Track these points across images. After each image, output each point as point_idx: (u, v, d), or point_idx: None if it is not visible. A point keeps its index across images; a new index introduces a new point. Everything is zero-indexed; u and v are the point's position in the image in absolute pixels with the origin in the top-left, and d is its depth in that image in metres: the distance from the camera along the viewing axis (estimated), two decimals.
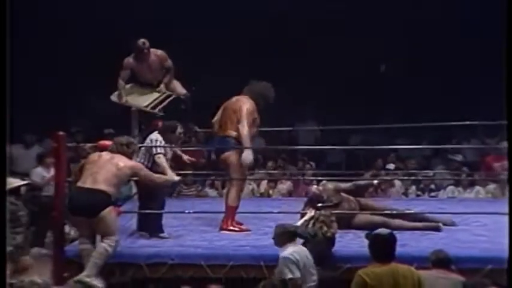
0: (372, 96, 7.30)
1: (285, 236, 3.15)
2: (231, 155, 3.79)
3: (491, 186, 5.49)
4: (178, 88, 4.55)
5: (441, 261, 2.95)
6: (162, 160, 3.72)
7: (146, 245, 3.59)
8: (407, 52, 7.49)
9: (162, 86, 4.49)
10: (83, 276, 3.30)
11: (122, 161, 3.42)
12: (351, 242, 3.55)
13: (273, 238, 3.19)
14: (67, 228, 3.82)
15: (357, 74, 7.49)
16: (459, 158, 6.02)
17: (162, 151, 3.75)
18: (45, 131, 6.02)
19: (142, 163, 3.74)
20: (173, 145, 3.89)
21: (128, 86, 4.54)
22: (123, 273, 3.43)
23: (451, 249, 3.12)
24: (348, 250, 3.38)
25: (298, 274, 3.00)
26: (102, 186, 3.36)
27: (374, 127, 5.53)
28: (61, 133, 3.64)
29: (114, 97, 4.51)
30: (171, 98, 4.45)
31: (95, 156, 3.50)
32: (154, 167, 3.74)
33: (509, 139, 3.08)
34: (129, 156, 3.49)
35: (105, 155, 3.48)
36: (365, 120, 5.73)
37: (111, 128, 5.50)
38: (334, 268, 3.26)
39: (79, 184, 3.42)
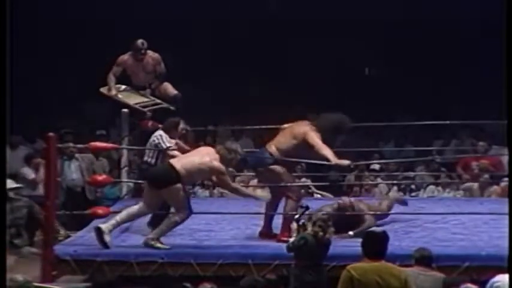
0: (356, 97, 7.42)
1: None
2: (271, 169, 3.69)
3: (472, 186, 5.66)
4: (169, 89, 4.63)
5: (424, 258, 3.07)
6: (176, 152, 3.84)
7: (137, 244, 3.66)
8: (391, 53, 7.62)
9: (148, 90, 4.58)
10: (148, 239, 3.55)
11: (209, 159, 3.56)
12: (337, 241, 3.63)
13: None
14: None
15: (342, 75, 7.61)
16: (439, 159, 6.21)
17: (172, 146, 3.85)
18: (33, 132, 6.02)
19: (147, 161, 3.87)
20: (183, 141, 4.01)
21: (122, 87, 4.60)
22: (113, 270, 3.49)
23: (431, 248, 3.23)
24: (334, 249, 3.46)
25: None
26: (178, 166, 3.53)
27: (358, 126, 5.64)
28: (51, 134, 3.69)
29: (104, 89, 4.57)
30: (159, 106, 4.51)
31: (201, 148, 3.68)
32: (158, 163, 3.86)
33: (509, 139, 3.16)
34: (226, 161, 3.58)
35: (206, 149, 3.66)
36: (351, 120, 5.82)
37: (102, 129, 5.54)
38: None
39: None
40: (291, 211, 3.73)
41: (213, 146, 3.79)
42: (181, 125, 3.97)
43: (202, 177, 3.64)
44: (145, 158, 3.95)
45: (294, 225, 3.43)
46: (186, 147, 4.11)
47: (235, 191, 3.68)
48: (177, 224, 3.57)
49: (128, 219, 3.58)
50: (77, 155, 5.09)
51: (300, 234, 3.30)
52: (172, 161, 3.60)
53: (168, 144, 3.85)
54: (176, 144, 3.96)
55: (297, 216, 3.48)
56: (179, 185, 3.50)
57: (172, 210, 3.61)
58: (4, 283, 2.44)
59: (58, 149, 3.77)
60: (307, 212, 3.45)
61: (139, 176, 4.16)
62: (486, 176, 5.57)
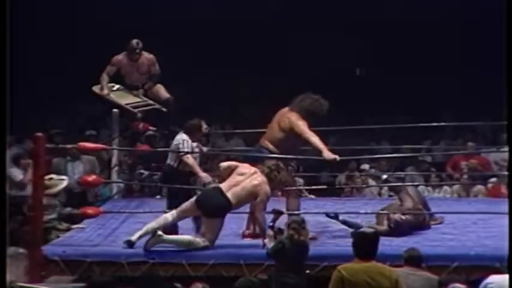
0: (356, 97, 7.43)
1: None
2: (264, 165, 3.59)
3: (457, 186, 5.73)
4: (162, 92, 4.62)
5: (413, 259, 3.10)
6: (190, 160, 3.80)
7: None
8: (383, 53, 7.63)
9: (141, 91, 4.55)
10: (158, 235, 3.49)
11: (259, 182, 3.48)
12: (327, 242, 3.69)
13: None
14: None
15: (334, 76, 7.63)
16: (429, 159, 6.27)
17: (191, 150, 3.82)
18: (24, 132, 5.98)
19: (169, 164, 3.85)
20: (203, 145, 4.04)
21: (116, 86, 4.58)
22: (103, 271, 3.47)
23: (420, 248, 3.26)
24: (325, 249, 3.50)
25: None
26: (229, 195, 3.48)
27: (349, 128, 5.67)
28: (39, 134, 3.66)
29: (96, 88, 4.54)
30: (150, 107, 4.48)
31: (245, 168, 3.56)
32: (180, 167, 3.83)
33: (509, 139, 3.17)
34: (272, 180, 3.51)
35: (251, 170, 3.54)
36: (341, 121, 5.87)
37: (92, 129, 5.51)
38: (311, 267, 3.36)
39: (220, 184, 3.57)
40: (294, 209, 3.70)
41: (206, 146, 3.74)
42: (204, 126, 3.93)
43: (250, 201, 3.55)
44: (168, 161, 3.89)
45: (270, 232, 3.42)
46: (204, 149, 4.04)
47: (258, 217, 3.53)
48: (195, 246, 3.47)
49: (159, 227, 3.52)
50: (81, 156, 5.03)
51: (278, 239, 3.31)
52: (223, 186, 3.51)
53: (187, 150, 3.79)
54: (197, 146, 3.91)
55: (271, 224, 3.47)
56: (221, 219, 3.48)
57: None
58: (4, 283, 2.41)
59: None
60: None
61: (162, 178, 4.11)
62: (466, 176, 5.64)
